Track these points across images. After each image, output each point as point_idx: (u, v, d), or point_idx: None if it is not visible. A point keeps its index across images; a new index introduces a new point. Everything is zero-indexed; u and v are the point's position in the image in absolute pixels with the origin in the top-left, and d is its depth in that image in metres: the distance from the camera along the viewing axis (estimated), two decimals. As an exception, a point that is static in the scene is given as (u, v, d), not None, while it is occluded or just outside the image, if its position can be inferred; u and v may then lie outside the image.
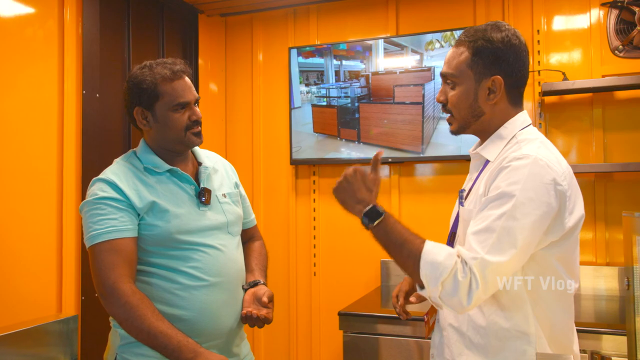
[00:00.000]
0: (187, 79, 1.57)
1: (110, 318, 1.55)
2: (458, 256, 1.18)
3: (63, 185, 2.29)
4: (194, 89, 1.58)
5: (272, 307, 1.59)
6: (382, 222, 1.25)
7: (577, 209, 1.25)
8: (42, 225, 2.21)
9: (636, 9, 2.56)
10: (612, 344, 1.99)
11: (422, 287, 1.21)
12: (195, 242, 1.51)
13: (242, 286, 1.63)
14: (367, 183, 1.31)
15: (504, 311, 1.27)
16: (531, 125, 1.38)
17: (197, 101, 1.59)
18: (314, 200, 3.15)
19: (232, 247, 1.62)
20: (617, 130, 2.64)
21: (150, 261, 1.49)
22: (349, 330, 2.34)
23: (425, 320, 1.55)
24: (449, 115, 1.40)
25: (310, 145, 3.07)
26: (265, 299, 1.57)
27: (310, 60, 3.08)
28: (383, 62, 2.93)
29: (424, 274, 1.18)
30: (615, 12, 2.64)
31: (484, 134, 1.38)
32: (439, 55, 2.82)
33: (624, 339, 1.81)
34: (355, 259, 3.05)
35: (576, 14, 2.72)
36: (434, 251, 1.19)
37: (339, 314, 2.37)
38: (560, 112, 2.73)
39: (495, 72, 1.32)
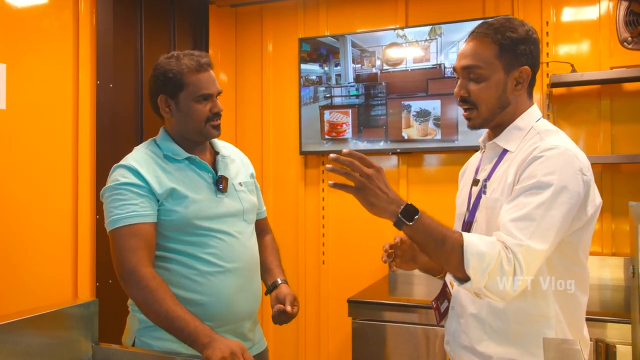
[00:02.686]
0: (211, 72, 1.61)
1: (129, 302, 1.61)
2: (499, 242, 1.19)
3: (78, 173, 2.34)
4: (217, 82, 1.63)
5: (297, 305, 1.66)
6: (419, 220, 1.20)
7: (597, 197, 1.31)
8: (57, 213, 2.26)
9: (646, 1, 2.57)
10: (617, 332, 2.03)
11: (464, 280, 1.20)
12: (212, 229, 1.56)
13: (265, 292, 1.71)
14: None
15: (524, 294, 1.28)
16: (542, 118, 1.41)
17: (219, 94, 1.63)
18: (323, 190, 3.19)
19: (247, 235, 1.66)
20: (625, 122, 2.66)
21: (168, 247, 1.54)
22: (358, 317, 2.39)
23: (434, 306, 1.57)
24: (467, 110, 1.40)
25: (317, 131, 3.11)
26: (288, 306, 1.62)
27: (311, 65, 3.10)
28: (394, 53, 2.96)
29: (471, 266, 1.17)
30: (624, 4, 2.65)
31: (502, 125, 1.40)
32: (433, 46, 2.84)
33: (629, 327, 1.85)
34: (363, 248, 3.10)
35: (585, 5, 2.73)
36: (475, 242, 1.18)
37: (348, 301, 2.42)
38: (568, 103, 2.75)
39: (524, 63, 1.35)
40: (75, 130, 2.34)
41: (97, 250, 2.38)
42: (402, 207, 1.20)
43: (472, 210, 1.43)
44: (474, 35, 1.38)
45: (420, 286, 2.74)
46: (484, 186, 1.39)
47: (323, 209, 3.20)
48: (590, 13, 2.72)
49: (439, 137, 2.86)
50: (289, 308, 1.61)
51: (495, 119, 1.39)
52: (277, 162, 3.31)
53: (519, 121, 1.38)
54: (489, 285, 1.18)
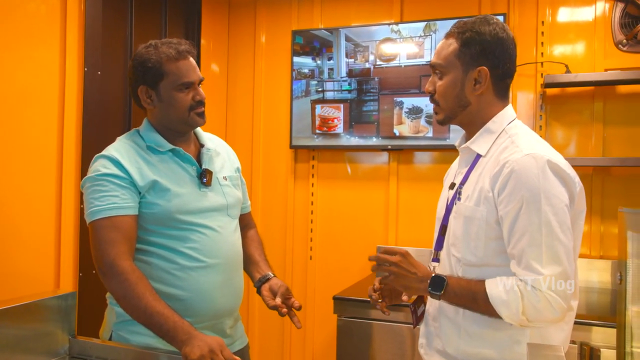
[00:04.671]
0: (191, 59, 1.57)
1: (107, 295, 1.58)
2: (520, 280, 1.22)
3: (63, 161, 2.29)
4: (198, 69, 1.59)
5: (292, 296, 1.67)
6: (448, 287, 1.30)
7: (582, 202, 1.32)
8: (41, 202, 2.22)
9: (642, 3, 2.55)
10: (602, 335, 2.02)
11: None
12: (194, 223, 1.53)
13: (254, 283, 1.70)
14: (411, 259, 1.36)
15: None
16: (517, 119, 1.41)
17: (201, 82, 1.59)
18: (312, 184, 3.16)
19: (230, 230, 1.63)
20: (617, 124, 2.64)
21: (149, 240, 1.51)
22: (343, 314, 2.37)
23: (412, 309, 1.56)
24: (435, 104, 1.43)
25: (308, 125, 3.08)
26: (278, 299, 1.63)
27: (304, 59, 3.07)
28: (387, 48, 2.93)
29: (504, 315, 1.23)
30: (621, 6, 2.63)
31: (471, 126, 1.41)
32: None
33: (614, 331, 1.84)
34: (352, 244, 3.08)
35: (582, 6, 2.71)
36: (497, 292, 1.24)
37: (334, 298, 2.40)
38: (562, 104, 2.73)
39: (482, 63, 1.35)
40: (61, 118, 2.30)
41: (81, 239, 2.34)
42: (429, 280, 1.31)
43: (446, 214, 1.43)
44: (446, 33, 1.42)
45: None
46: (459, 192, 1.39)
47: (312, 204, 3.17)
48: (585, 14, 2.70)
49: (430, 134, 2.84)
50: (296, 303, 1.66)
51: (458, 117, 1.41)
52: (267, 155, 3.28)
53: (490, 124, 1.38)
54: (532, 319, 1.23)
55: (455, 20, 2.73)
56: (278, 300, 1.62)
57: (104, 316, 1.63)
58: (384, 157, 3.04)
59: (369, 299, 2.33)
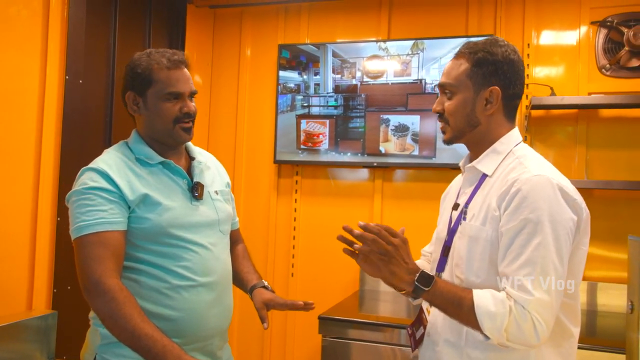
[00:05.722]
0: (185, 70, 1.52)
1: (91, 315, 1.49)
2: (509, 298, 1.19)
3: (40, 172, 2.20)
4: (191, 82, 1.54)
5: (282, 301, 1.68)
6: (435, 285, 1.24)
7: (586, 227, 1.30)
8: (16, 213, 2.12)
9: (625, 30, 2.61)
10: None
11: (487, 337, 1.21)
12: (185, 239, 1.46)
13: (249, 290, 1.68)
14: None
15: None
16: (523, 142, 1.40)
17: (192, 95, 1.54)
18: (296, 200, 3.12)
19: (222, 247, 1.58)
20: (600, 147, 2.68)
21: (138, 257, 1.43)
22: (329, 334, 2.31)
23: (410, 332, 1.52)
24: (443, 124, 1.42)
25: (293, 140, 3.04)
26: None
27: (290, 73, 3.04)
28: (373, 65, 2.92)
29: (486, 327, 1.19)
30: (604, 32, 2.68)
31: (477, 145, 1.40)
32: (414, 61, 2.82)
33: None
34: (334, 261, 3.03)
35: (566, 30, 2.76)
36: (484, 302, 1.20)
37: (319, 317, 2.34)
38: (546, 126, 2.76)
39: (494, 83, 1.35)
40: (40, 127, 2.21)
41: (56, 254, 2.24)
42: (417, 275, 1.24)
43: (450, 234, 1.40)
44: (455, 53, 1.41)
45: (393, 304, 2.68)
46: (464, 212, 1.36)
47: (295, 219, 3.12)
48: (570, 38, 2.75)
49: (416, 152, 2.83)
50: (300, 303, 1.65)
51: (466, 137, 1.40)
52: (250, 169, 3.22)
53: (497, 145, 1.37)
54: (512, 339, 1.19)
55: (443, 40, 2.80)
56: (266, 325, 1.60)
57: (81, 336, 1.55)
58: (368, 174, 3.02)
59: (355, 319, 2.31)
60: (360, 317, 2.37)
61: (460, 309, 1.22)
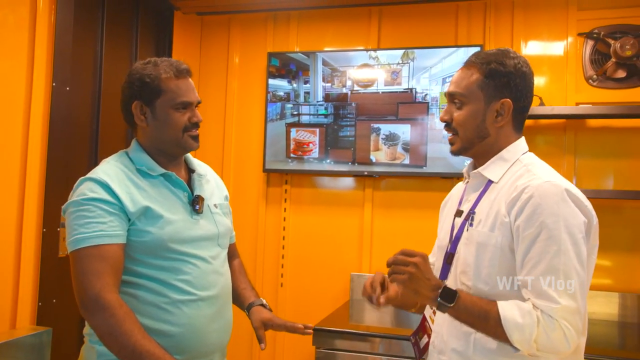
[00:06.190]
0: (190, 80, 1.51)
1: (86, 332, 1.44)
2: (535, 308, 1.18)
3: (26, 180, 2.14)
4: (196, 91, 1.51)
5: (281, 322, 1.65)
6: (459, 300, 1.24)
7: (595, 236, 1.30)
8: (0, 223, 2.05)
9: (611, 42, 2.65)
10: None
11: (516, 349, 1.21)
12: (186, 253, 1.43)
13: (247, 308, 1.64)
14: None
15: None
16: (528, 151, 1.40)
17: (198, 104, 1.53)
18: (285, 209, 3.09)
19: (221, 260, 1.55)
20: (588, 157, 2.71)
21: (137, 271, 1.39)
22: (323, 346, 2.28)
23: (413, 341, 1.51)
24: (451, 135, 1.41)
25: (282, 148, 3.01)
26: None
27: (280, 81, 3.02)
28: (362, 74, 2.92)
29: (515, 340, 1.18)
30: (591, 43, 2.72)
31: (484, 156, 1.39)
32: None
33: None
34: (325, 271, 3.00)
35: (554, 40, 2.79)
36: (511, 315, 1.19)
37: (314, 329, 2.30)
38: (534, 135, 2.78)
39: (506, 96, 1.34)
40: (26, 134, 2.15)
41: (42, 266, 2.17)
42: (440, 290, 1.24)
43: (454, 242, 1.39)
44: (465, 63, 1.40)
45: (385, 313, 2.66)
46: (471, 218, 1.35)
47: (284, 229, 3.09)
48: (557, 49, 2.78)
49: (407, 162, 2.83)
50: (300, 325, 1.60)
51: (474, 148, 1.39)
52: (238, 178, 3.18)
53: (504, 152, 1.37)
54: (542, 348, 1.18)
55: (433, 50, 2.81)
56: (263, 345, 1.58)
57: (70, 351, 1.50)
58: (359, 183, 3.00)
59: (351, 330, 2.28)
60: (355, 328, 2.35)
61: (487, 322, 1.22)
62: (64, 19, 2.29)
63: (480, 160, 1.41)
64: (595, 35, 2.70)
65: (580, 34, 2.74)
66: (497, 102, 1.34)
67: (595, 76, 2.70)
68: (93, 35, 2.56)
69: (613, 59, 2.65)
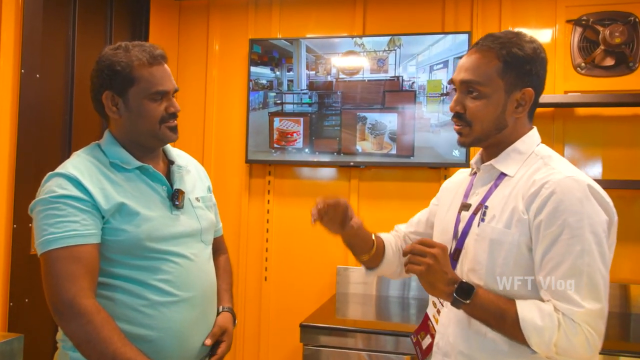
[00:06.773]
0: (166, 66, 1.39)
1: (59, 337, 1.35)
2: (556, 310, 1.12)
3: (-7, 175, 2.01)
4: (173, 78, 1.41)
5: (226, 340, 1.48)
6: (476, 297, 1.18)
7: (614, 232, 1.23)
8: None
9: (600, 29, 2.61)
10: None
11: (533, 351, 1.16)
12: (166, 251, 1.33)
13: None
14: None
15: None
16: (542, 143, 1.32)
17: (175, 92, 1.41)
18: (268, 201, 3.00)
19: (205, 258, 1.46)
20: (577, 146, 2.68)
21: (112, 272, 1.30)
22: (311, 343, 2.21)
23: (414, 340, 1.44)
24: (462, 126, 1.29)
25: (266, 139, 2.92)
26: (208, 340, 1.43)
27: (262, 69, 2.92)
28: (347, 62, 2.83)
29: (534, 342, 1.13)
30: (579, 30, 2.68)
31: (497, 146, 1.30)
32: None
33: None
34: (310, 264, 2.93)
35: (542, 28, 2.74)
36: (531, 316, 1.14)
37: (301, 325, 2.23)
38: (522, 124, 2.73)
39: (527, 84, 1.25)
40: (-7, 125, 2.02)
41: (12, 264, 2.05)
42: (456, 285, 1.18)
43: (462, 238, 1.31)
44: (477, 47, 1.27)
45: (372, 307, 2.61)
46: (482, 213, 1.27)
47: (267, 221, 3.00)
48: (545, 36, 2.73)
49: (394, 151, 2.76)
50: (208, 342, 1.42)
51: (489, 140, 1.29)
52: (220, 169, 3.07)
53: (519, 144, 1.28)
54: (561, 352, 1.12)
55: (420, 37, 2.73)
56: (208, 342, 1.42)
57: (42, 356, 1.40)
58: (344, 174, 2.93)
59: (339, 327, 2.22)
60: (343, 324, 2.28)
61: (504, 321, 1.16)
62: (32, 2, 2.16)
63: (491, 151, 1.31)
64: (583, 22, 2.65)
65: (568, 21, 2.69)
66: (519, 91, 1.24)
67: (583, 64, 2.66)
68: (65, 19, 2.43)
69: (602, 47, 2.60)
